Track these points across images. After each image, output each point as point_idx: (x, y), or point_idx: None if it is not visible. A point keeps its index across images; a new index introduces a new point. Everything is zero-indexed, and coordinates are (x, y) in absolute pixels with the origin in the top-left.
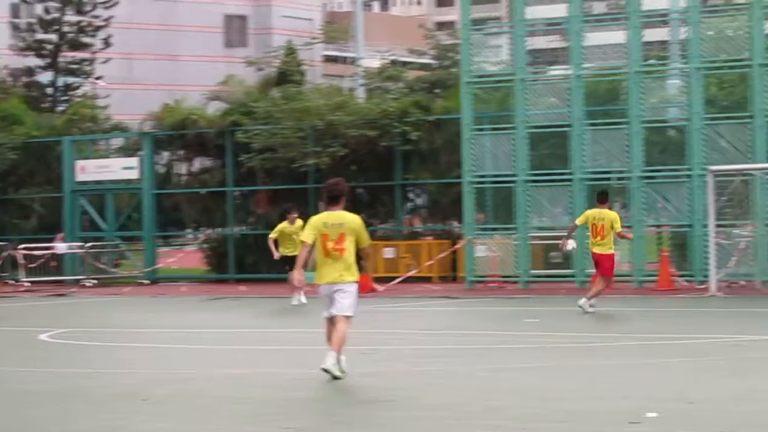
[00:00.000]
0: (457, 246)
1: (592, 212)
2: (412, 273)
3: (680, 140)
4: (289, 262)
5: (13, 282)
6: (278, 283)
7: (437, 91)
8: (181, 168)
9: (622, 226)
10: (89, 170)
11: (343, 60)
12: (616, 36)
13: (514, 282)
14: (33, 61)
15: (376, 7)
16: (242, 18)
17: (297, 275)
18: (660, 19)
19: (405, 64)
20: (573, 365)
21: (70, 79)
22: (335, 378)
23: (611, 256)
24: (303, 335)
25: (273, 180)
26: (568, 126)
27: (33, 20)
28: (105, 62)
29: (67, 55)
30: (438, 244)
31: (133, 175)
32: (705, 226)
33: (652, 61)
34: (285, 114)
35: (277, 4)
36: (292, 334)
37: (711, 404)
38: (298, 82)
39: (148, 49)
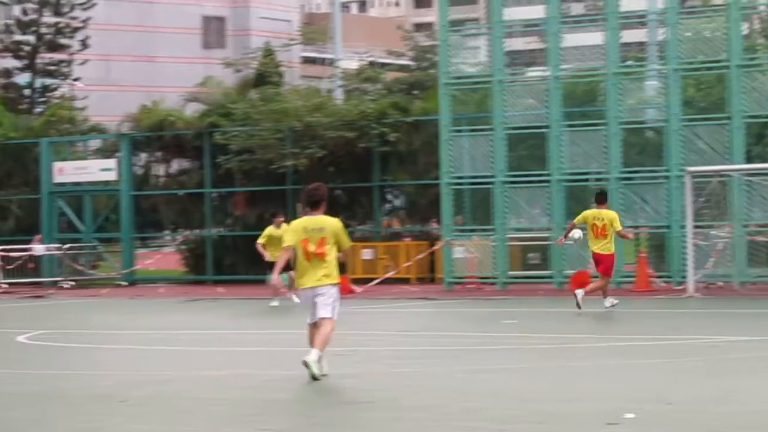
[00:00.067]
0: (435, 247)
1: (590, 212)
2: (390, 274)
3: (658, 141)
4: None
5: None
6: (256, 285)
7: (415, 92)
8: (159, 169)
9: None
10: (67, 172)
11: (321, 61)
12: (593, 37)
13: (492, 283)
14: (11, 62)
15: (354, 8)
16: (220, 19)
17: (276, 279)
18: (638, 20)
19: (383, 65)
20: (551, 366)
21: (48, 81)
22: (313, 376)
23: (611, 256)
24: (281, 337)
25: (251, 181)
26: (546, 127)
27: (10, 21)
28: (83, 64)
29: (44, 57)
30: (416, 246)
31: (111, 176)
32: (683, 227)
33: (629, 63)
34: (263, 115)
35: (255, 5)
36: (269, 336)
37: (689, 405)
38: (276, 83)
39: (126, 50)
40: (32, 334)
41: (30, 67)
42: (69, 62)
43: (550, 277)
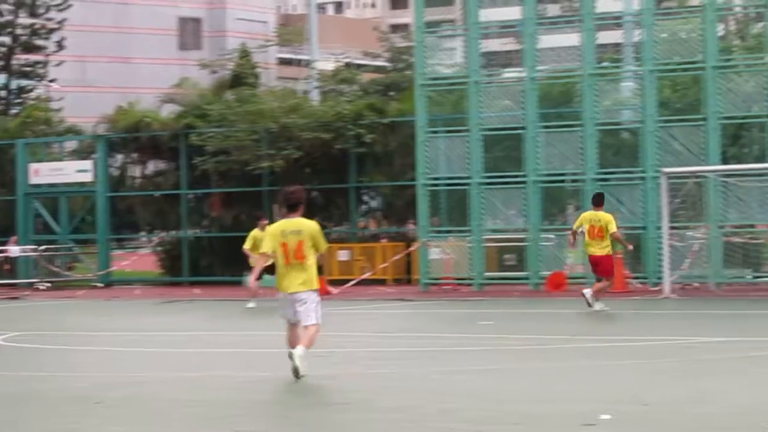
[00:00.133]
0: (411, 248)
1: (588, 214)
2: (366, 275)
3: (634, 142)
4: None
5: None
6: (232, 286)
7: (391, 93)
8: (135, 171)
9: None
10: (43, 173)
11: (298, 62)
12: (569, 38)
13: (469, 284)
14: None
15: (330, 9)
16: (196, 20)
17: (253, 282)
18: (614, 21)
19: (359, 66)
20: (527, 367)
21: (24, 82)
22: (295, 369)
23: (609, 257)
24: (257, 338)
25: (227, 183)
26: (522, 128)
27: None
28: (58, 65)
29: (20, 58)
30: (392, 247)
31: (87, 177)
32: (659, 228)
33: (605, 64)
34: (239, 116)
35: (231, 6)
36: (246, 337)
37: (665, 406)
38: (252, 84)
39: (102, 51)
40: (8, 335)
41: (5, 69)
42: (45, 63)
43: (526, 278)
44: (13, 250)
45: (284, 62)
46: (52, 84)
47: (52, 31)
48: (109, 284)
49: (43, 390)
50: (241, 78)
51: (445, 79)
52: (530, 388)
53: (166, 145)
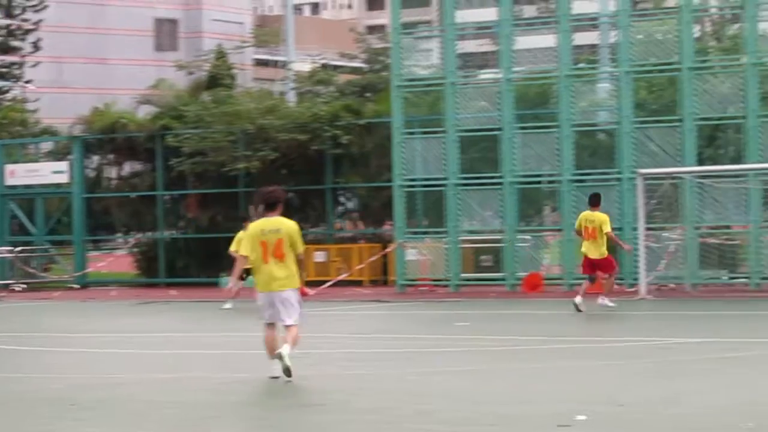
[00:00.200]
0: (387, 250)
1: (584, 215)
2: (342, 277)
3: (610, 144)
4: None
5: None
6: (209, 287)
7: (368, 94)
8: (111, 172)
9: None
10: (19, 174)
11: (274, 64)
12: (546, 40)
13: (445, 285)
14: None
15: (306, 10)
16: (172, 21)
17: (233, 284)
18: (590, 22)
19: (336, 67)
20: (503, 368)
21: (0, 83)
22: (286, 369)
23: (606, 258)
24: (233, 339)
25: (203, 184)
26: (499, 129)
27: None
28: (34, 66)
29: None
30: (369, 248)
31: (63, 179)
32: (635, 229)
33: (582, 65)
34: (215, 118)
35: (207, 7)
36: (222, 339)
37: (640, 407)
38: (229, 85)
39: (78, 52)
40: None
41: None
42: (20, 64)
43: (503, 279)
44: None
45: (261, 63)
46: (28, 85)
47: (28, 32)
48: (85, 286)
49: (18, 391)
50: (218, 79)
51: (421, 80)
52: (506, 389)
53: (143, 147)
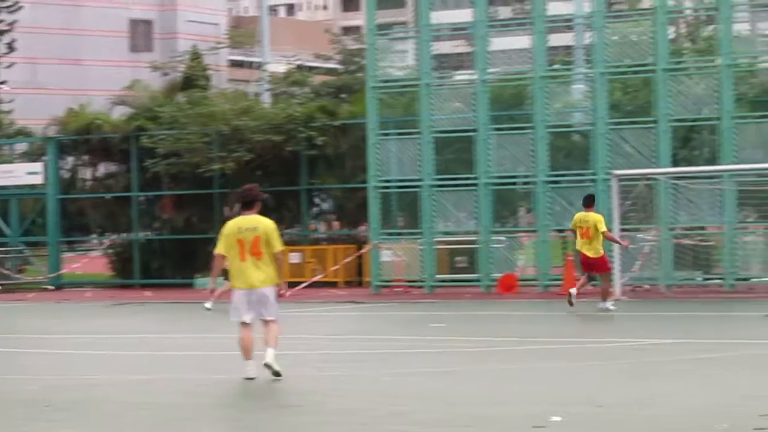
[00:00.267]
0: (362, 251)
1: (578, 215)
2: (317, 278)
3: (585, 145)
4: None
5: None
6: (183, 288)
7: (343, 95)
8: (86, 173)
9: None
10: None
11: (249, 65)
12: (521, 41)
13: (420, 286)
14: None
15: (282, 11)
16: (147, 22)
17: (212, 284)
18: (565, 24)
19: (311, 68)
20: (478, 369)
21: None
22: (276, 374)
23: (601, 258)
24: (209, 340)
25: (178, 185)
26: (474, 131)
27: None
28: (9, 67)
29: None
30: (344, 249)
31: (38, 180)
32: (610, 230)
33: (556, 66)
34: (190, 119)
35: (182, 8)
36: (197, 340)
37: (615, 408)
38: (204, 86)
39: (53, 53)
40: None
41: None
42: None
43: (478, 280)
44: None
45: (236, 64)
46: (2, 86)
47: (2, 32)
48: (59, 287)
49: None
50: (193, 80)
51: (396, 81)
52: (481, 390)
53: (117, 148)
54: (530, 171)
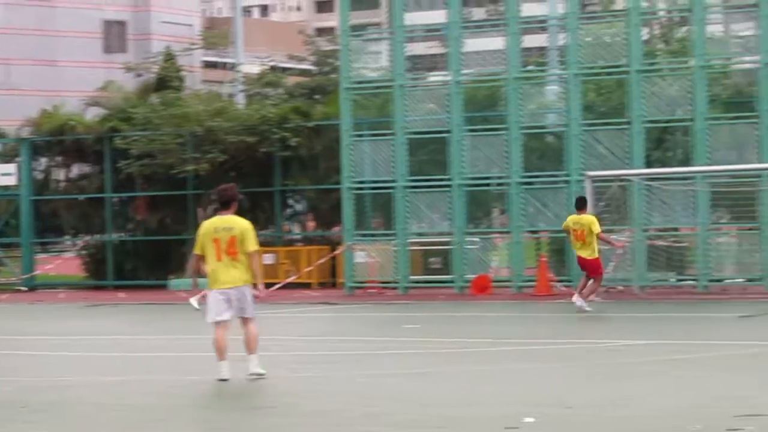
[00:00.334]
0: (336, 252)
1: (571, 218)
2: (291, 279)
3: (558, 146)
4: None
5: None
6: (157, 290)
7: (317, 97)
8: (59, 174)
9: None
10: None
11: (223, 66)
12: (494, 42)
13: (394, 288)
14: None
15: (255, 12)
16: (121, 24)
17: (193, 283)
18: (539, 25)
19: (284, 70)
20: (452, 370)
21: None
22: (262, 375)
23: (595, 260)
24: (182, 342)
25: (152, 186)
26: (447, 132)
27: None
28: None
29: None
30: (318, 250)
31: (11, 181)
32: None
33: (530, 68)
34: (164, 120)
35: (156, 9)
36: (171, 341)
37: (588, 409)
38: (177, 88)
39: (26, 54)
40: None
41: None
42: None
43: (451, 281)
44: None
45: (209, 65)
46: None
47: None
48: (33, 288)
49: None
50: (166, 81)
51: (370, 82)
52: (455, 392)
53: (91, 149)
54: (504, 172)
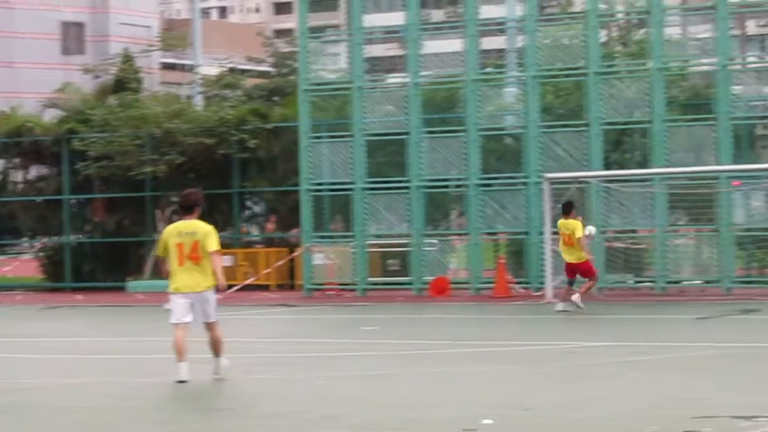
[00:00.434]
0: (294, 254)
1: (560, 223)
2: (249, 281)
3: (517, 148)
4: None
5: None
6: (115, 292)
7: (275, 98)
8: (17, 176)
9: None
10: None
11: (181, 67)
12: (453, 44)
13: (352, 290)
14: None
15: (214, 14)
16: (79, 25)
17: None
18: (497, 27)
19: (243, 71)
20: (410, 372)
21: None
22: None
23: (585, 263)
24: (141, 344)
25: (110, 188)
26: (406, 134)
27: None
28: None
29: None
30: (276, 252)
31: None
32: (541, 233)
33: (489, 70)
34: (122, 122)
35: (114, 11)
36: (130, 343)
37: (546, 411)
38: (135, 89)
39: None
40: None
41: None
42: None
43: (410, 283)
44: None
45: (168, 67)
46: None
47: None
48: None
49: None
50: (124, 83)
51: (328, 84)
52: (413, 393)
53: (49, 150)
54: (462, 174)
